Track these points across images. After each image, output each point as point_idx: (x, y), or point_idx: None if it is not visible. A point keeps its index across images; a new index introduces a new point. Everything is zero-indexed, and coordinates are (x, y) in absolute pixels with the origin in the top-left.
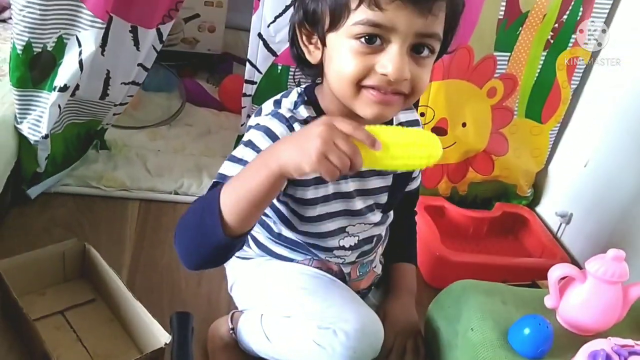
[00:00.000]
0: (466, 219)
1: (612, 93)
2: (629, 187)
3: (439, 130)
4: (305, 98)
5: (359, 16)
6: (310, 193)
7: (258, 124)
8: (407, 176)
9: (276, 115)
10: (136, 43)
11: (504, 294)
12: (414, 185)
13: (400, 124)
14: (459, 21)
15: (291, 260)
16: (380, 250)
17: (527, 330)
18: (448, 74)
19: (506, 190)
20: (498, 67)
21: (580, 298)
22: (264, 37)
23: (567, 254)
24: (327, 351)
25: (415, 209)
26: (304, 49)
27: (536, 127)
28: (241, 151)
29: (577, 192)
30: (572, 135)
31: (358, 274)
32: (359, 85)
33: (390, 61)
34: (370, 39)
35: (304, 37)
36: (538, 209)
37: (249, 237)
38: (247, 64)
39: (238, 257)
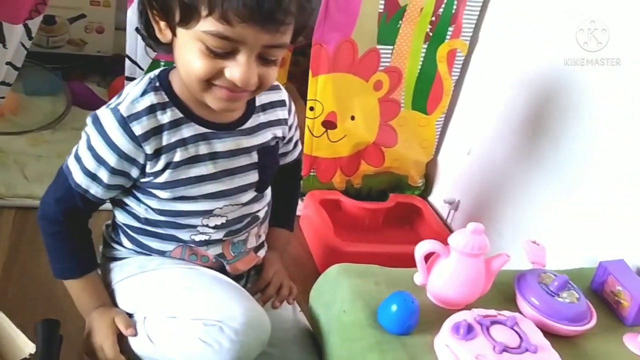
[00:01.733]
0: (362, 211)
1: (490, 83)
2: (508, 171)
3: (329, 123)
4: (157, 84)
5: (209, 26)
6: (176, 174)
7: (96, 115)
8: (272, 152)
9: (114, 110)
10: (2, 40)
11: (377, 275)
12: (290, 158)
13: (262, 105)
14: (310, 22)
15: (163, 253)
16: (256, 230)
17: (394, 307)
18: (334, 67)
19: (399, 182)
20: (382, 60)
21: (445, 273)
22: (142, 32)
23: None
24: (213, 348)
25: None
26: (154, 25)
27: (423, 119)
28: (82, 150)
29: (462, 179)
30: (456, 125)
31: (232, 254)
32: (208, 82)
33: (238, 70)
34: (219, 48)
35: (155, 16)
36: (430, 198)
37: (119, 232)
38: (127, 60)
39: (109, 257)
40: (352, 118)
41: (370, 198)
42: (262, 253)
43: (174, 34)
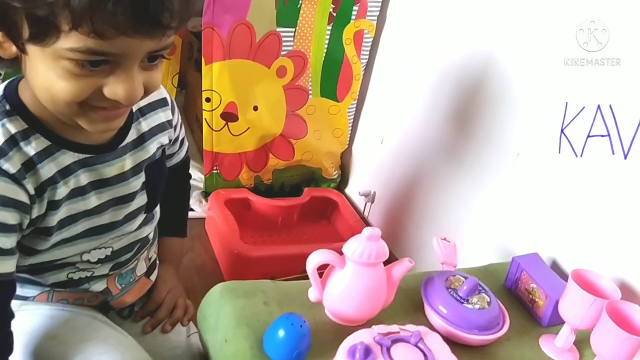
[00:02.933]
0: (274, 209)
1: (401, 67)
2: (422, 161)
3: (229, 115)
4: (7, 107)
5: (75, 42)
6: (58, 216)
7: None
8: (159, 165)
9: None
10: None
11: (267, 293)
12: (177, 159)
13: (141, 110)
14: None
15: (25, 298)
16: (146, 254)
17: (280, 333)
18: (230, 54)
19: (313, 175)
20: (284, 44)
21: (341, 286)
22: None
23: None
24: None
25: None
26: None
27: (334, 106)
28: None
29: (377, 170)
30: (369, 112)
31: (119, 287)
32: (81, 105)
33: (121, 87)
34: (93, 62)
35: None
36: (347, 190)
37: None
38: None
39: None
40: (255, 108)
41: (284, 194)
42: (155, 275)
43: (21, 50)
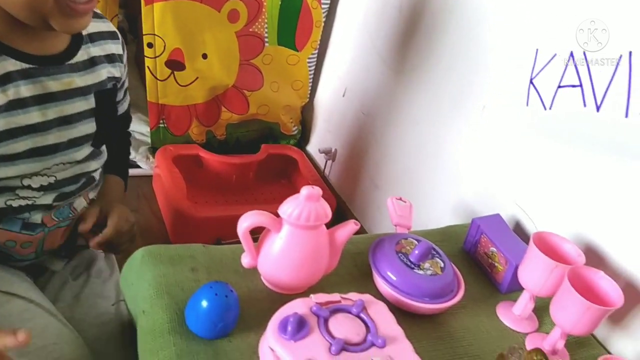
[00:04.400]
0: (227, 167)
1: (364, 12)
2: (383, 115)
3: (174, 63)
4: None
5: None
6: None
7: None
8: (110, 97)
9: None
10: None
11: (195, 259)
12: (122, 108)
13: (90, 35)
14: None
15: None
16: (91, 194)
17: (203, 304)
18: None
19: (271, 130)
20: None
21: (277, 250)
22: None
23: (334, 193)
24: None
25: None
26: None
27: (292, 56)
28: None
29: (339, 125)
30: (331, 62)
31: (55, 220)
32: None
33: None
34: None
35: None
36: (308, 147)
37: None
38: None
39: None
40: (204, 56)
41: (239, 151)
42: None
43: None
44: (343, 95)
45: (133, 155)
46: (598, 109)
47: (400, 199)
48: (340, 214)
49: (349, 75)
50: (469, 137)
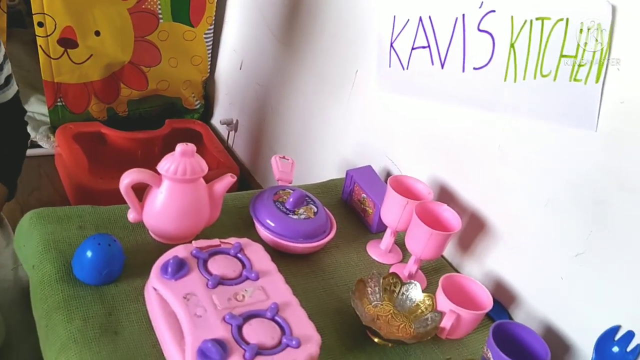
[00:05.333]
0: (132, 142)
1: None
2: (274, 84)
3: (67, 41)
4: None
5: None
6: None
7: None
8: None
9: None
10: None
11: (83, 218)
12: (4, 98)
13: None
14: None
15: None
16: None
17: (88, 254)
18: None
19: (174, 106)
20: None
21: (159, 204)
22: None
23: (238, 163)
24: None
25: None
26: None
27: (189, 32)
28: None
29: (238, 97)
30: (228, 37)
31: None
32: None
33: None
34: None
35: None
36: (213, 121)
37: None
38: None
39: None
40: (97, 34)
41: (144, 127)
42: None
43: None
44: (240, 69)
45: (34, 135)
46: (442, 66)
47: (284, 157)
48: (244, 182)
49: (244, 49)
50: (345, 100)
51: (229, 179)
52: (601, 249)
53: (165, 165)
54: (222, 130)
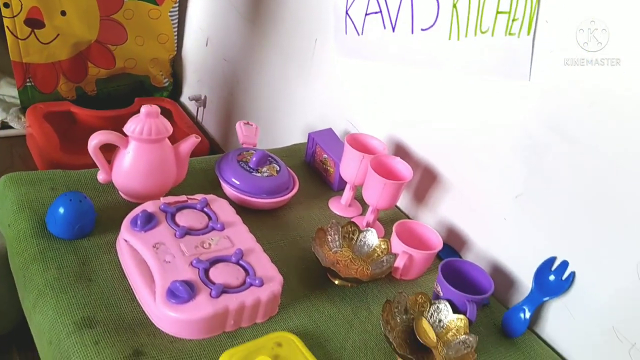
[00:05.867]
0: (101, 121)
1: None
2: (238, 57)
3: (34, 22)
4: None
5: None
6: None
7: None
8: None
9: None
10: None
11: (55, 180)
12: None
13: None
14: None
15: None
16: None
17: (60, 210)
18: None
19: (142, 84)
20: None
21: (126, 164)
22: None
23: (208, 138)
24: None
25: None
26: None
27: (153, 10)
28: None
29: (206, 73)
30: (194, 14)
31: None
32: None
33: None
34: None
35: None
36: (182, 99)
37: None
38: None
39: None
40: (63, 13)
41: (114, 106)
42: None
43: None
44: (206, 45)
45: (4, 117)
46: (393, 29)
47: (248, 122)
48: None
49: (210, 26)
50: (307, 69)
51: (193, 139)
52: (538, 190)
53: (131, 126)
54: (192, 106)
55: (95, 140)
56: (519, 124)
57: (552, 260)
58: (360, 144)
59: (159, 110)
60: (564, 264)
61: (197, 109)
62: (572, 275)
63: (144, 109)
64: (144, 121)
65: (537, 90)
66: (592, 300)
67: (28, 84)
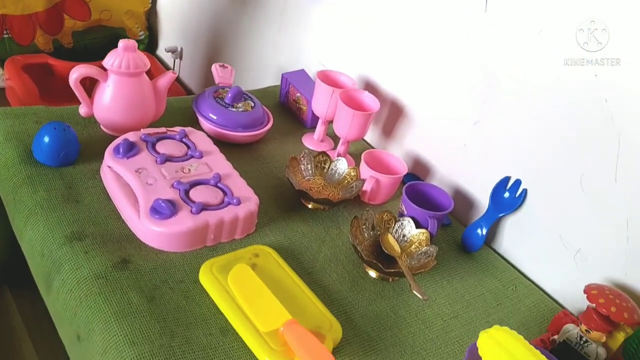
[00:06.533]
0: None
1: None
2: (213, 7)
3: None
4: None
5: None
6: None
7: None
8: None
9: None
10: None
11: (39, 115)
12: None
13: None
14: None
15: None
16: None
17: (46, 139)
18: None
19: (118, 37)
20: None
21: (107, 97)
22: None
23: (185, 89)
24: None
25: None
26: None
27: None
28: None
29: (182, 25)
30: None
31: None
32: None
33: None
34: None
35: None
36: (158, 52)
37: None
38: None
39: None
40: None
41: (91, 58)
42: None
43: None
44: None
45: None
46: None
47: (223, 65)
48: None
49: None
50: (279, 13)
51: (170, 75)
52: (493, 115)
53: (110, 59)
54: (168, 59)
55: (76, 74)
56: (474, 54)
57: (506, 179)
58: (330, 80)
59: (136, 44)
60: (517, 183)
61: (174, 61)
62: (524, 192)
63: (121, 43)
64: (122, 55)
65: (490, 20)
66: (541, 214)
67: (5, 35)
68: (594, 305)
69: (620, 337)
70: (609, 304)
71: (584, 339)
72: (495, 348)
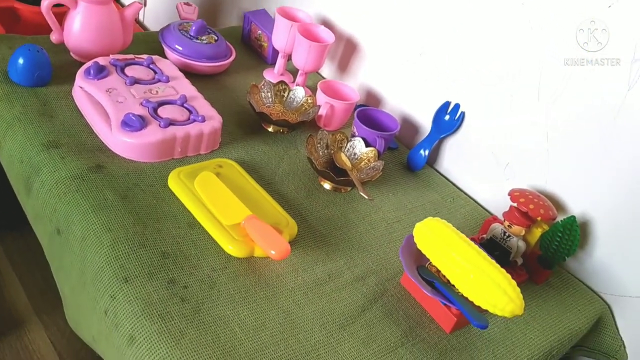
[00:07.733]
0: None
1: None
2: None
3: None
4: None
5: None
6: None
7: None
8: None
9: None
10: None
11: (13, 41)
12: None
13: None
14: None
15: None
16: None
17: (20, 61)
18: None
19: None
20: None
21: (76, 24)
22: None
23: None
24: None
25: None
26: None
27: None
28: None
29: None
30: None
31: None
32: None
33: None
34: None
35: None
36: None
37: None
38: None
39: None
40: None
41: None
42: None
43: None
44: None
45: None
46: None
47: (187, 3)
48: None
49: None
50: None
51: (137, 5)
52: (437, 46)
53: None
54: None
55: (47, 1)
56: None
57: (447, 104)
58: (289, 16)
59: None
60: (456, 106)
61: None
62: (463, 115)
63: None
64: None
65: None
66: (476, 135)
67: None
68: (516, 204)
69: (537, 232)
70: (528, 202)
71: (507, 234)
72: (427, 233)
